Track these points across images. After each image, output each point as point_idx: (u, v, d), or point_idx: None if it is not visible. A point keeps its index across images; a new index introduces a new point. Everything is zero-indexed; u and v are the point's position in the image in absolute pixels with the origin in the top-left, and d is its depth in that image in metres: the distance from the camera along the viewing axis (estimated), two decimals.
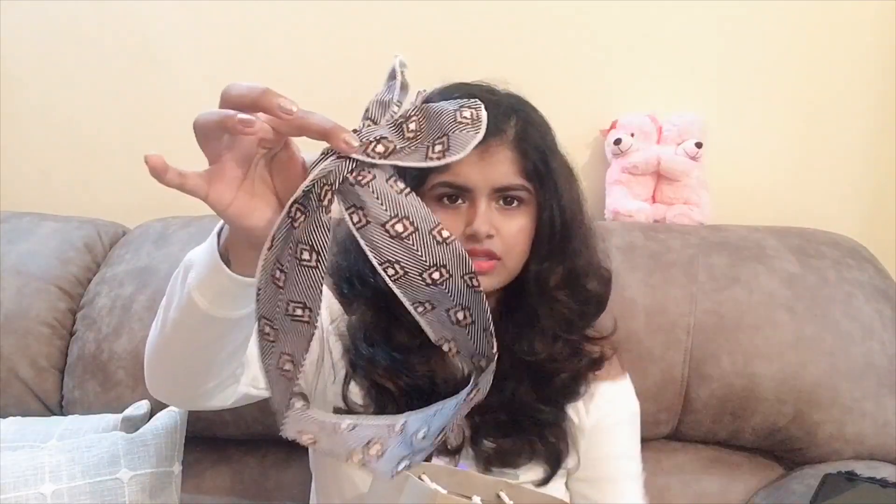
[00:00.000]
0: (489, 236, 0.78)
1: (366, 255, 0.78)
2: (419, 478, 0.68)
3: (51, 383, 1.19)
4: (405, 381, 0.82)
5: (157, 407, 1.12)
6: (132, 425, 1.09)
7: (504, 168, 0.79)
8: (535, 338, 0.84)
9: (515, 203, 0.81)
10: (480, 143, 0.73)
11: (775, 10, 1.29)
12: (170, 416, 1.08)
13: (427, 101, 0.79)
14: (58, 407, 1.19)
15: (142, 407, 1.12)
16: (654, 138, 1.31)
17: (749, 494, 1.09)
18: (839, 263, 1.12)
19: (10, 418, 1.12)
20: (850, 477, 0.88)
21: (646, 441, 1.10)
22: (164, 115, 1.45)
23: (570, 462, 0.87)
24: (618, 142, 1.29)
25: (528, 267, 0.83)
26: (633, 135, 1.30)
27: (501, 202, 0.80)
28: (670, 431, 1.13)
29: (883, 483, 0.86)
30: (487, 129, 0.74)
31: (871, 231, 1.30)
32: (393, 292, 0.81)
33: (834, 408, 1.04)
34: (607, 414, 0.88)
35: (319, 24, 1.38)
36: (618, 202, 1.30)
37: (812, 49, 1.30)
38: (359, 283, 0.84)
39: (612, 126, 1.33)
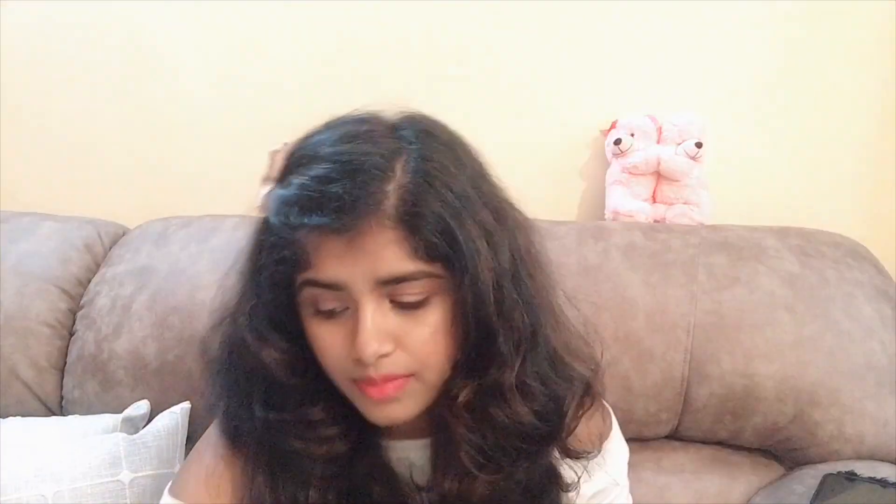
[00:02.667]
0: (384, 355, 0.56)
1: (237, 395, 0.62)
2: None
3: (51, 383, 1.19)
4: None
5: (157, 407, 1.12)
6: (132, 425, 1.09)
7: (388, 253, 0.55)
8: (445, 472, 0.63)
9: (418, 297, 0.57)
10: (345, 227, 0.54)
11: (775, 10, 1.29)
12: (171, 418, 1.09)
13: (288, 157, 0.61)
14: (58, 407, 1.20)
15: (142, 407, 1.12)
16: (654, 138, 1.31)
17: (749, 494, 1.09)
18: (839, 263, 1.12)
19: (10, 418, 1.12)
20: (850, 477, 0.88)
21: (646, 441, 1.10)
22: (165, 116, 1.45)
23: None
24: (618, 142, 1.29)
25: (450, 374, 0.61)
26: (633, 135, 1.30)
27: (400, 297, 0.57)
28: (670, 431, 1.13)
29: (883, 483, 0.86)
30: (353, 206, 0.53)
31: (871, 231, 1.30)
32: (282, 444, 0.60)
33: (834, 408, 1.04)
34: (608, 477, 0.74)
35: (321, 26, 1.38)
36: (618, 202, 1.30)
37: (812, 49, 1.30)
38: (244, 426, 0.64)
39: (612, 126, 1.33)
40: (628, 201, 1.30)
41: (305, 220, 0.55)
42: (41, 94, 1.47)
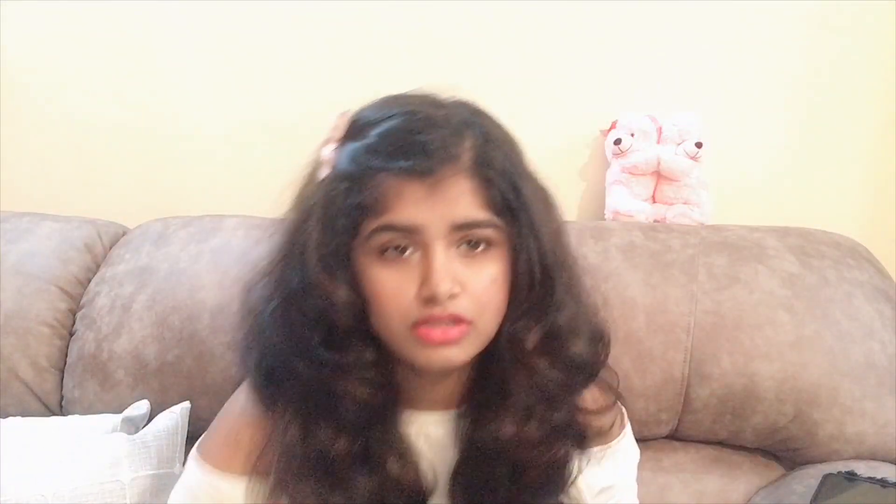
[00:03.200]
0: (452, 295, 0.61)
1: (293, 338, 0.64)
2: None
3: (51, 383, 1.19)
4: (340, 498, 0.66)
5: (157, 407, 1.12)
6: (132, 425, 1.09)
7: (463, 200, 0.61)
8: (503, 417, 0.67)
9: (483, 246, 0.63)
10: (427, 172, 0.59)
11: (775, 10, 1.29)
12: (171, 418, 1.09)
13: (355, 120, 0.65)
14: (58, 407, 1.20)
15: (141, 407, 1.12)
16: (654, 138, 1.31)
17: (749, 494, 1.09)
18: (839, 263, 1.12)
19: (10, 418, 1.12)
20: (850, 477, 0.88)
21: (646, 441, 1.10)
22: (165, 116, 1.45)
23: None
24: (618, 142, 1.30)
25: (502, 326, 0.66)
26: (633, 135, 1.30)
27: (465, 246, 0.62)
28: (670, 431, 1.13)
29: (883, 483, 0.86)
30: (436, 153, 0.60)
31: (871, 231, 1.30)
32: (330, 386, 0.64)
33: (834, 408, 1.04)
34: (616, 476, 0.79)
35: (321, 26, 1.38)
36: (618, 202, 1.30)
37: (812, 49, 1.30)
38: (285, 376, 0.66)
39: (612, 126, 1.33)
40: (628, 201, 1.30)
41: (390, 164, 0.59)
42: (41, 94, 1.47)
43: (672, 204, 1.31)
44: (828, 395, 1.04)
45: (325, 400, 0.65)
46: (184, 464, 1.08)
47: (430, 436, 0.71)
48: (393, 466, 0.67)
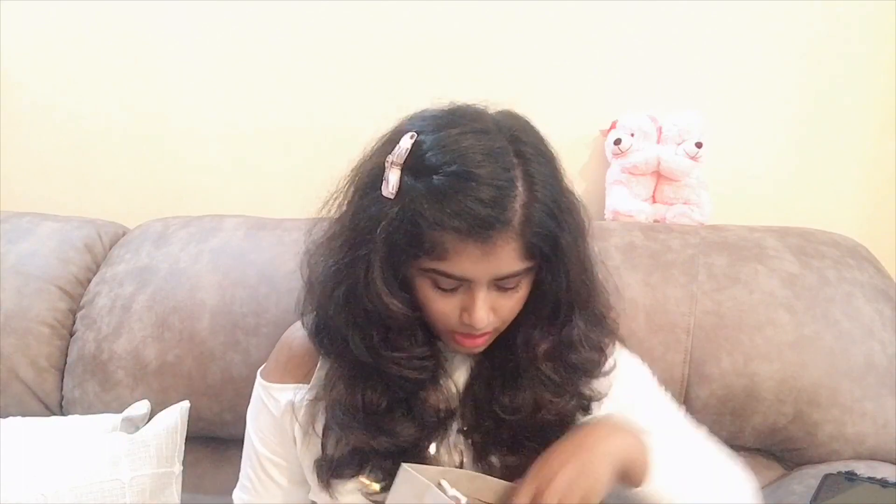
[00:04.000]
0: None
1: (356, 329, 0.75)
2: (439, 484, 0.69)
3: (51, 383, 1.19)
4: (385, 442, 0.77)
5: (157, 407, 1.12)
6: (132, 425, 1.09)
7: (508, 258, 0.70)
8: (518, 394, 0.78)
9: (517, 283, 0.73)
10: (484, 234, 0.67)
11: (775, 10, 1.29)
12: (170, 417, 1.09)
13: (418, 153, 0.70)
14: (58, 407, 1.20)
15: (142, 407, 1.12)
16: (654, 138, 1.31)
17: None
18: (839, 263, 1.12)
19: (10, 418, 1.12)
20: (850, 477, 0.88)
21: None
22: (165, 116, 1.45)
23: None
24: (618, 142, 1.29)
25: (518, 325, 0.77)
26: (633, 135, 1.30)
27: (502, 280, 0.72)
28: None
29: (883, 483, 0.86)
30: (493, 224, 0.67)
31: (871, 231, 1.30)
32: (385, 369, 0.76)
33: (834, 408, 1.04)
34: (619, 395, 0.84)
35: (321, 27, 1.38)
36: (618, 202, 1.30)
37: (812, 49, 1.30)
38: (341, 346, 0.78)
39: (612, 126, 1.33)
40: (628, 201, 1.30)
41: (450, 224, 0.67)
42: (41, 95, 1.47)
43: (672, 204, 1.31)
44: (828, 396, 1.04)
45: (377, 373, 0.76)
46: (183, 463, 1.09)
47: (448, 359, 0.82)
48: (426, 396, 0.78)
